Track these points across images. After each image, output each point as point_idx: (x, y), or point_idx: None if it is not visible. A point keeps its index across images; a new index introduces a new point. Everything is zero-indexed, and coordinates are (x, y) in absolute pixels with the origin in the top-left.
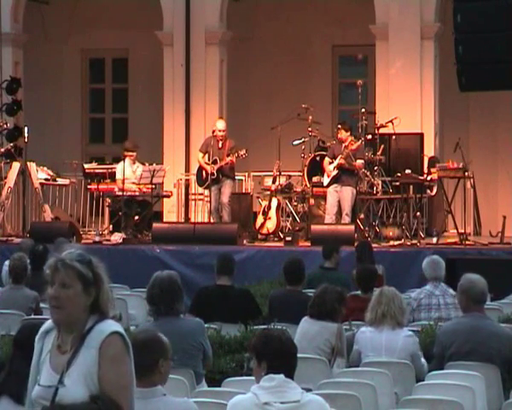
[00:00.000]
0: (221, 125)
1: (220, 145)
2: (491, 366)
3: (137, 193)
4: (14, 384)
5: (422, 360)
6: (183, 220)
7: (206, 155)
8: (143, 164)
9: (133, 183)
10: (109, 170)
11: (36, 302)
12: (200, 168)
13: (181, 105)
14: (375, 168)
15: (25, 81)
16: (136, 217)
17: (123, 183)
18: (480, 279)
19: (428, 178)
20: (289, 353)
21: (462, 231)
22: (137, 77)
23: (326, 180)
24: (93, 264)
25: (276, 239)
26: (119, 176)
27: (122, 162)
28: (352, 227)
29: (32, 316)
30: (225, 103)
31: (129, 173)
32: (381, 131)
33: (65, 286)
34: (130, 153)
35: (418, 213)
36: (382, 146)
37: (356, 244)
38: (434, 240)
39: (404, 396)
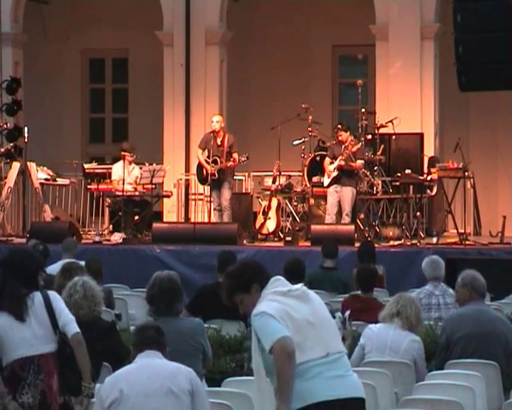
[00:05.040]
0: (215, 118)
1: (219, 142)
2: (492, 365)
3: (135, 193)
4: (12, 303)
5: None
6: (183, 220)
7: (206, 151)
8: (143, 164)
9: (129, 183)
10: (109, 170)
11: None
12: (200, 165)
13: (181, 105)
14: (375, 168)
15: (25, 81)
16: (136, 217)
17: (123, 183)
18: (479, 274)
19: (428, 178)
20: (264, 266)
21: (462, 231)
22: (137, 77)
23: (326, 181)
24: None
25: (276, 239)
26: (114, 177)
27: (118, 163)
28: (352, 227)
29: None
30: (225, 103)
31: (125, 174)
32: (381, 131)
33: None
34: (128, 154)
35: (418, 213)
36: (382, 146)
37: (360, 244)
38: (434, 240)
39: (404, 396)
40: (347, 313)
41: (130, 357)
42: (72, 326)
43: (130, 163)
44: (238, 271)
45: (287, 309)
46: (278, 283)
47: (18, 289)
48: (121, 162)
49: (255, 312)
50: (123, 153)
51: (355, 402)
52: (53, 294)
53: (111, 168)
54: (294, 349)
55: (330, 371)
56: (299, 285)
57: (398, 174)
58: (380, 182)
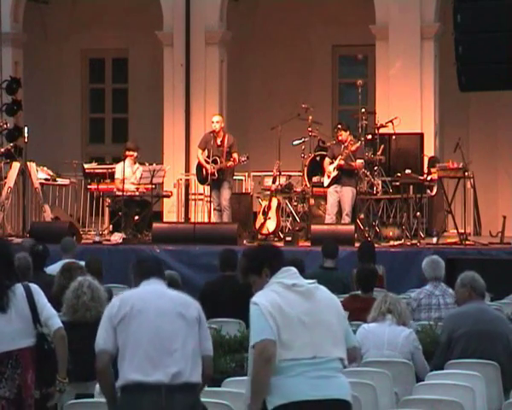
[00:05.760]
0: (215, 118)
1: (219, 142)
2: (492, 365)
3: (136, 193)
4: None
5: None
6: (183, 220)
7: (206, 151)
8: (143, 164)
9: (132, 183)
10: (109, 170)
11: None
12: (200, 165)
13: (181, 105)
14: (375, 168)
15: (25, 81)
16: (136, 217)
17: (122, 183)
18: (479, 275)
19: (428, 178)
20: (282, 254)
21: (462, 231)
22: (137, 77)
23: (326, 181)
24: None
25: (276, 239)
26: (118, 176)
27: (122, 162)
28: (352, 227)
29: None
30: (225, 103)
31: (128, 174)
32: (381, 131)
33: None
34: (132, 153)
35: (418, 213)
36: (382, 146)
37: (360, 244)
38: (434, 240)
39: (404, 396)
40: None
41: None
42: (55, 321)
43: (134, 162)
44: (253, 253)
45: (281, 304)
46: (287, 273)
47: (1, 280)
48: (126, 162)
49: (253, 299)
50: (128, 152)
51: (339, 404)
52: (34, 287)
53: (111, 168)
54: (274, 354)
55: (315, 372)
56: (310, 281)
57: (398, 174)
58: (380, 182)
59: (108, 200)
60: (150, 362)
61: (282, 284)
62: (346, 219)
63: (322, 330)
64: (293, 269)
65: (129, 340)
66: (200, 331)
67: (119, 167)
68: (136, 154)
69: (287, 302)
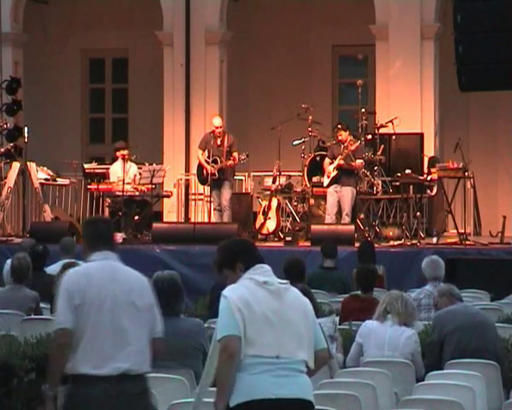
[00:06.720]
0: (217, 121)
1: (219, 142)
2: (492, 365)
3: (136, 193)
4: None
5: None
6: (183, 220)
7: (206, 152)
8: (143, 164)
9: (127, 183)
10: (109, 170)
11: (36, 302)
12: (201, 166)
13: (181, 105)
14: (375, 168)
15: (25, 81)
16: (136, 217)
17: (123, 183)
18: (454, 286)
19: (428, 178)
20: (256, 249)
21: (462, 231)
22: (137, 77)
23: (326, 181)
24: None
25: (276, 239)
26: (113, 178)
27: (115, 164)
28: (352, 227)
29: (32, 316)
30: (225, 103)
31: (121, 174)
32: (381, 131)
33: None
34: (122, 152)
35: (418, 213)
36: (382, 146)
37: (360, 244)
38: (434, 240)
39: (404, 396)
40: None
41: None
42: None
43: (126, 162)
44: (227, 247)
45: (250, 300)
46: (260, 270)
47: None
48: (118, 162)
49: (224, 292)
50: (119, 152)
51: (301, 403)
52: None
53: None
54: (238, 350)
55: (278, 371)
56: (282, 281)
57: (398, 174)
58: (380, 182)
59: (108, 200)
60: (103, 356)
61: (253, 280)
62: (346, 219)
63: (288, 331)
64: (267, 267)
65: (85, 332)
66: (151, 316)
67: (112, 169)
68: (126, 152)
69: (255, 299)
